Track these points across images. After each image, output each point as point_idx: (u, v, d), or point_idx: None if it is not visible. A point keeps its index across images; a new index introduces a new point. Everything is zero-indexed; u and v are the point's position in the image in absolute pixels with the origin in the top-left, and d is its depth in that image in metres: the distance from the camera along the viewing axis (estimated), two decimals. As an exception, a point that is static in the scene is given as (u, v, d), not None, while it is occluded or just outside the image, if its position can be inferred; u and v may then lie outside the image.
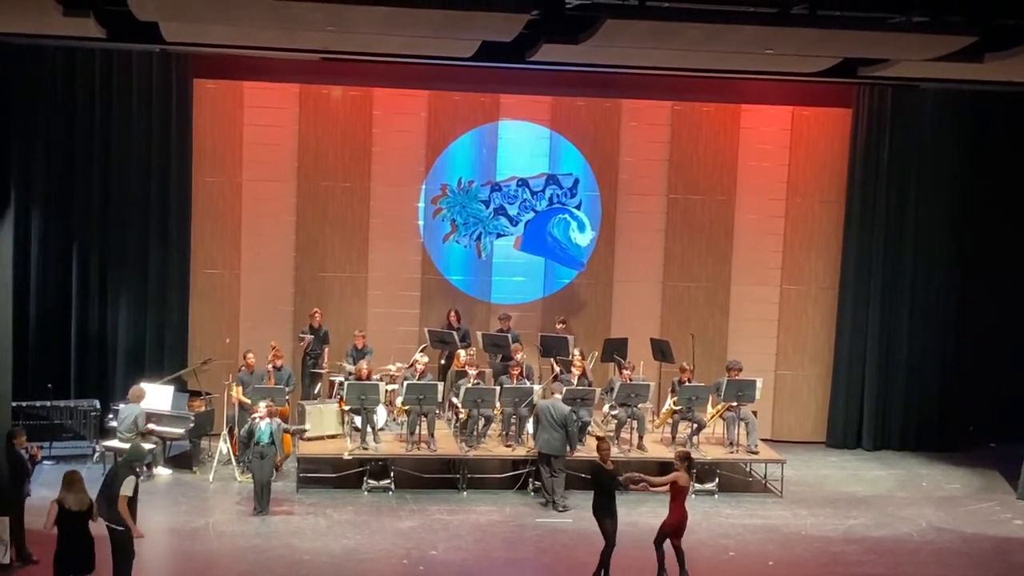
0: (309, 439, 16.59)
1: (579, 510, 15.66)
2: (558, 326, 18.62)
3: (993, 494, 17.48)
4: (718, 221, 19.69)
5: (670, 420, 17.22)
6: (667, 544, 13.15)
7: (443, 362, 18.46)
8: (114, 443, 16.18)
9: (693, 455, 16.67)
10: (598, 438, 13.82)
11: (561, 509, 15.69)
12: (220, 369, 17.68)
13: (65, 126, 17.88)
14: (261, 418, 15.21)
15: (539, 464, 15.94)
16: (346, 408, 16.64)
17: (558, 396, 15.91)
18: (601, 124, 19.49)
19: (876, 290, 19.44)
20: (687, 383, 17.01)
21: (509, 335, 18.31)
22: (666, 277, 19.75)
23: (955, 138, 19.32)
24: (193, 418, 16.69)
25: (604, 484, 13.11)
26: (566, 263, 19.65)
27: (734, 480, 17.17)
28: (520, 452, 16.58)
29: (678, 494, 13.04)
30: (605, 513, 13.08)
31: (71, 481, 11.42)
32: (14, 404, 14.60)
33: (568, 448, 15.81)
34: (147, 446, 15.82)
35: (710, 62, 16.77)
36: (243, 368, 17.12)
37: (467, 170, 19.37)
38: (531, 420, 16.51)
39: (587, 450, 16.30)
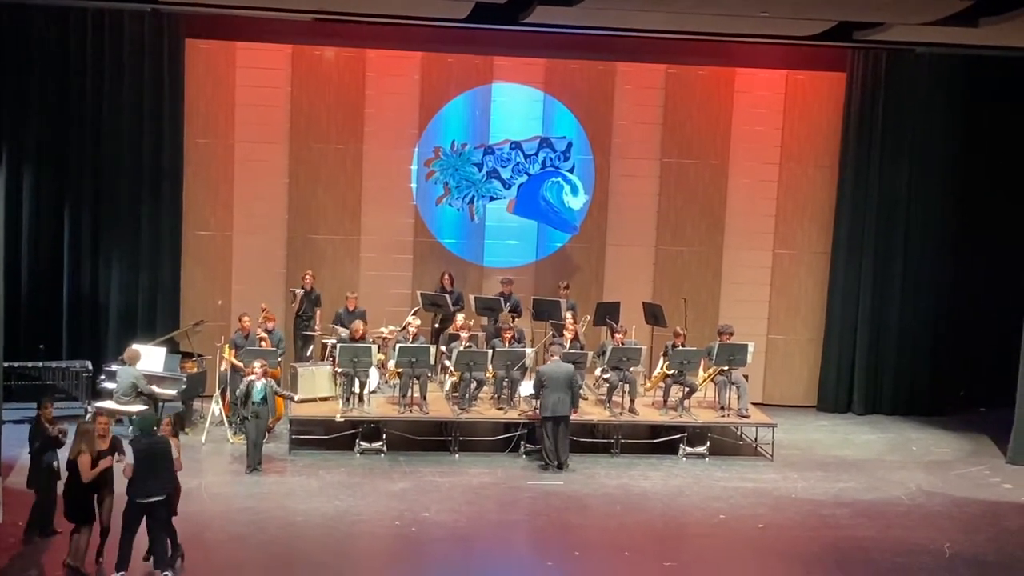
0: (301, 401, 16.61)
1: (573, 473, 15.75)
2: (561, 291, 18.59)
3: (983, 458, 17.56)
4: (711, 185, 19.64)
5: (662, 384, 17.25)
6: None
7: (436, 325, 18.46)
8: (108, 404, 16.20)
9: (684, 419, 16.85)
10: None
11: (569, 469, 15.79)
12: (212, 331, 17.67)
13: (57, 87, 17.72)
14: (257, 378, 15.28)
15: (544, 428, 15.84)
16: (338, 370, 16.66)
17: (557, 358, 15.92)
18: (595, 87, 19.39)
19: (868, 255, 19.43)
20: (679, 347, 17.04)
21: (502, 299, 18.31)
22: (659, 241, 19.72)
23: (949, 103, 19.25)
24: (185, 380, 16.67)
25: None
26: (559, 226, 19.61)
27: (725, 444, 17.23)
28: (512, 415, 16.62)
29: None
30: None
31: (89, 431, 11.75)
32: (6, 365, 14.56)
33: (573, 408, 15.91)
34: (137, 408, 15.88)
35: (705, 25, 16.71)
36: (238, 331, 17.16)
37: (460, 133, 19.30)
38: (529, 385, 16.51)
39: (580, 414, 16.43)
